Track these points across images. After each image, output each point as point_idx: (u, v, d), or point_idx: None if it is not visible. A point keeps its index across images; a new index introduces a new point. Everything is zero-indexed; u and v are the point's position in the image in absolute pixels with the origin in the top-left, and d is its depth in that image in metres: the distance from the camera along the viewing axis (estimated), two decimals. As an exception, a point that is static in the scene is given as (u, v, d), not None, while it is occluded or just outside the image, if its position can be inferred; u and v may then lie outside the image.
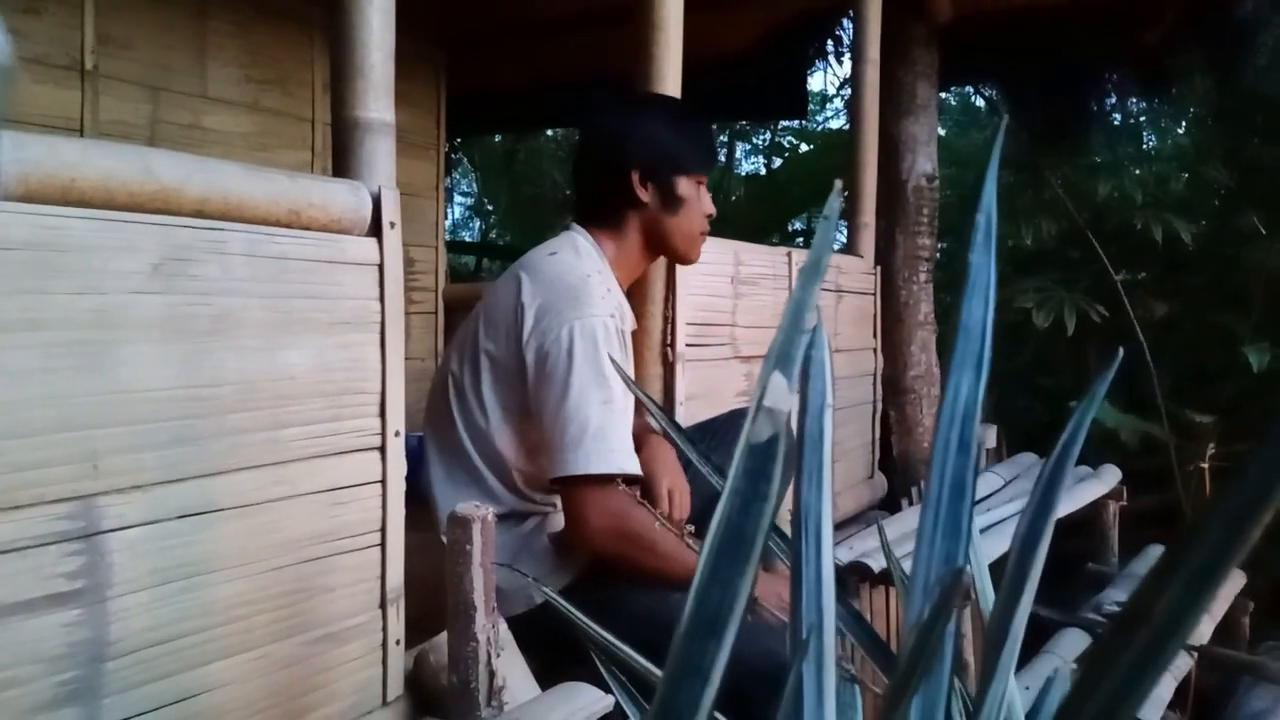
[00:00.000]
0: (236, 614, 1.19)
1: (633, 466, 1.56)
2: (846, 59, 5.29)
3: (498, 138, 7.56)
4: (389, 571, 1.40)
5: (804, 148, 7.35)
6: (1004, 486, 2.96)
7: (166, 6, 3.00)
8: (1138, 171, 4.29)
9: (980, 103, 7.69)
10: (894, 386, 3.76)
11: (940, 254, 4.31)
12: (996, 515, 2.46)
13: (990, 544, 2.19)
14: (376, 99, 1.40)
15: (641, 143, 1.74)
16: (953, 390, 0.55)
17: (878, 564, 2.07)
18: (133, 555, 1.07)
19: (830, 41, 4.59)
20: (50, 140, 1.02)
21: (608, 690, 1.42)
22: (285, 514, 1.25)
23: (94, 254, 1.04)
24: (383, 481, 1.39)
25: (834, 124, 7.69)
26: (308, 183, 1.30)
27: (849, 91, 6.95)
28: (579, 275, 1.66)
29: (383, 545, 1.40)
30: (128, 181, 1.07)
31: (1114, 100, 4.32)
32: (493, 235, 8.71)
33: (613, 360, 1.56)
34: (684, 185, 1.75)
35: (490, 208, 8.90)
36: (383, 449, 1.40)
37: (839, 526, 2.89)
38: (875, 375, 3.28)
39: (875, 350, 3.27)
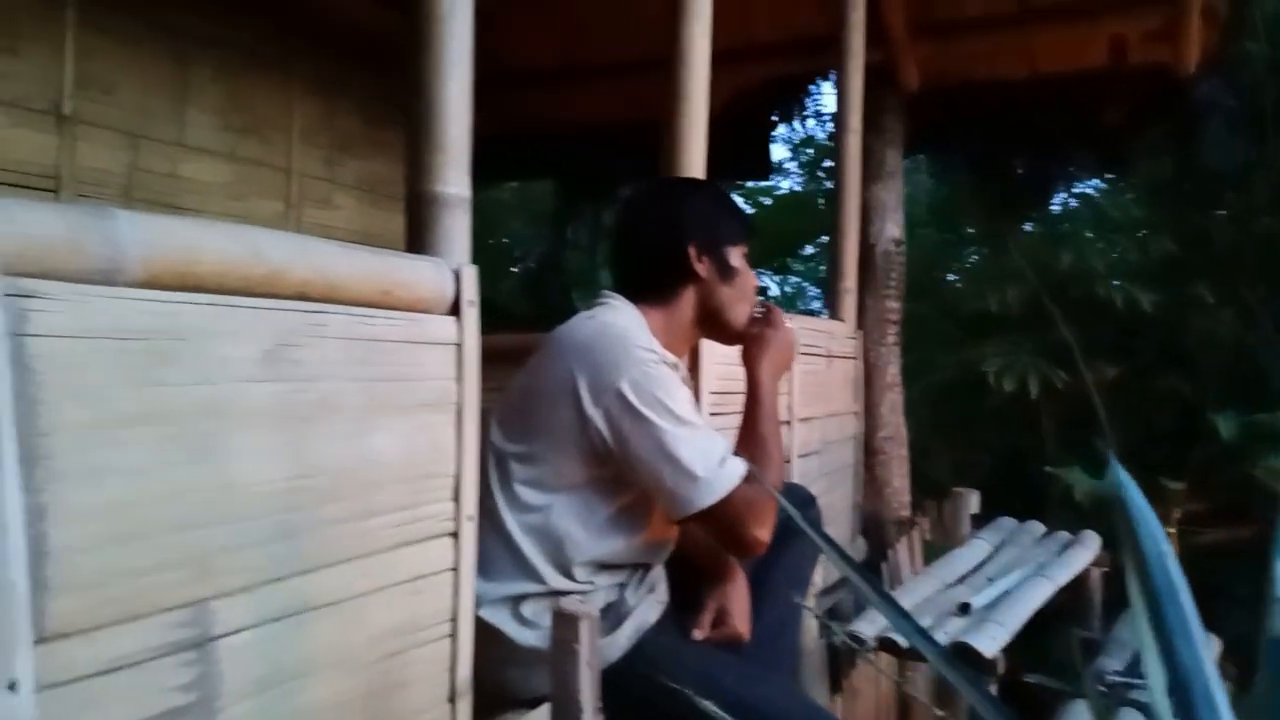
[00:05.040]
0: (328, 717, 1.12)
1: (739, 469, 1.59)
2: (805, 123, 5.41)
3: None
4: (459, 663, 1.35)
5: (747, 210, 7.45)
6: (994, 553, 2.99)
7: (148, 49, 2.91)
8: (1099, 243, 4.44)
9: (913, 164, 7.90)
10: (865, 448, 3.80)
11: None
12: (1002, 585, 2.48)
13: (1005, 613, 2.22)
14: (455, 174, 1.37)
15: (696, 219, 1.80)
16: None
17: (905, 640, 2.07)
18: (239, 662, 1.00)
19: (794, 107, 4.68)
20: (167, 221, 0.97)
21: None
22: (370, 608, 1.20)
23: (209, 341, 0.98)
24: (455, 569, 1.35)
25: (784, 185, 7.80)
26: (396, 261, 1.26)
27: (806, 155, 7.10)
28: (618, 330, 1.68)
29: (454, 636, 1.35)
30: (240, 264, 1.02)
31: (1073, 172, 4.48)
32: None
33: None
34: (735, 256, 1.81)
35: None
36: (456, 534, 1.35)
37: (827, 592, 2.89)
38: (859, 438, 3.30)
39: (858, 414, 3.30)
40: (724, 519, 1.60)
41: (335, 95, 3.64)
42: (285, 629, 1.06)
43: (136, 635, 0.90)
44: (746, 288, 1.84)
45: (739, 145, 4.55)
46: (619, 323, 1.69)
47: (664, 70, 2.23)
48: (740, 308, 1.83)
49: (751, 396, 1.79)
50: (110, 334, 0.88)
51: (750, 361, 1.82)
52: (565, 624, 1.17)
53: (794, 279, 9.70)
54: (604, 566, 1.70)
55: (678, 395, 1.62)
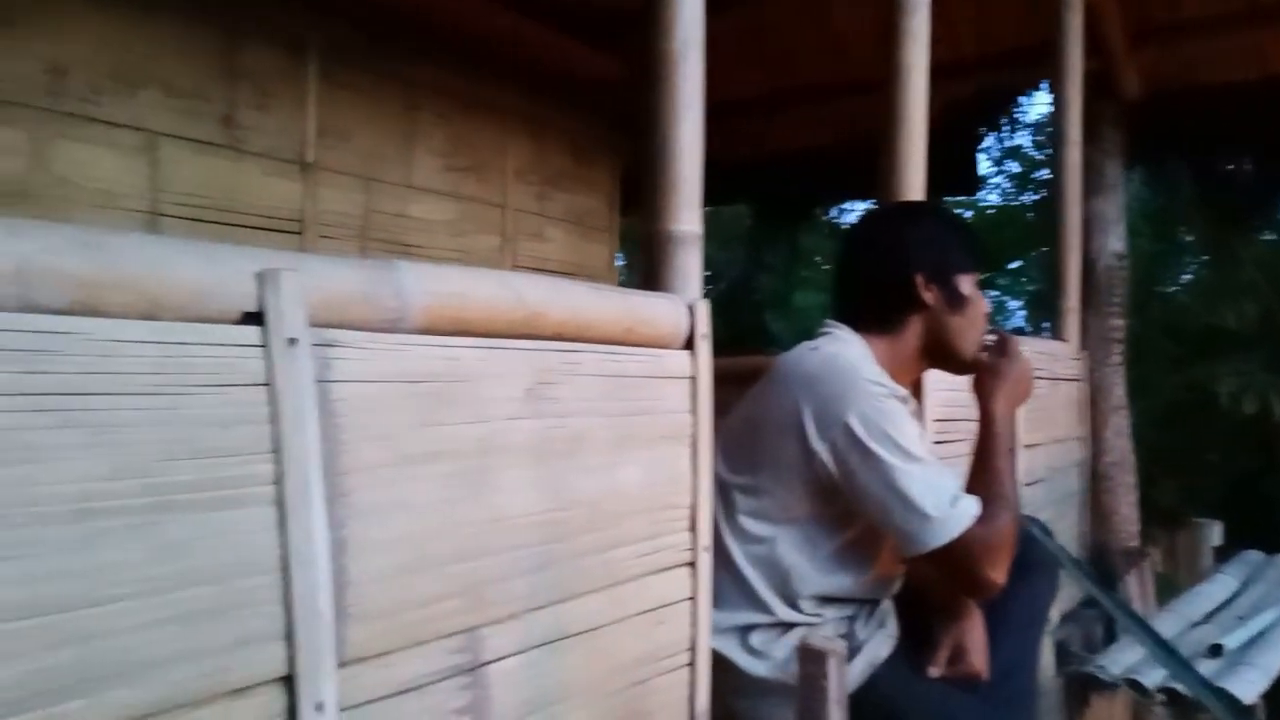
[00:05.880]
0: (584, 744, 1.17)
1: (972, 509, 1.53)
2: (1013, 134, 5.24)
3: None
4: (697, 693, 1.37)
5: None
6: (1241, 590, 2.79)
7: (381, 98, 3.12)
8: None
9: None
10: (1091, 474, 3.61)
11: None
12: (1256, 625, 2.31)
13: (1261, 656, 2.06)
14: (688, 212, 1.40)
15: (923, 246, 1.74)
16: None
17: (1152, 680, 1.95)
18: (507, 687, 1.05)
19: (1001, 119, 4.54)
20: (442, 270, 1.04)
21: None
22: (617, 636, 1.23)
23: (480, 382, 1.04)
24: (693, 599, 1.37)
25: (989, 199, 7.57)
26: (637, 299, 1.30)
27: (1010, 168, 6.87)
28: (845, 362, 1.65)
29: (692, 665, 1.37)
30: (505, 308, 1.07)
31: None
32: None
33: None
34: (965, 284, 1.74)
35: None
36: (693, 564, 1.37)
37: (1059, 625, 2.76)
38: (1084, 465, 3.15)
39: (1082, 439, 3.14)
40: (956, 559, 1.54)
41: (546, 134, 3.79)
42: (544, 656, 1.11)
43: (422, 660, 0.96)
44: (977, 316, 1.76)
45: (948, 160, 4.43)
46: (845, 354, 1.67)
47: (876, 92, 2.20)
48: (970, 336, 1.76)
49: (984, 430, 1.70)
50: (398, 378, 0.95)
51: (983, 393, 1.73)
52: (812, 660, 1.17)
53: (994, 293, 9.38)
54: (831, 600, 1.68)
55: (907, 430, 1.57)
